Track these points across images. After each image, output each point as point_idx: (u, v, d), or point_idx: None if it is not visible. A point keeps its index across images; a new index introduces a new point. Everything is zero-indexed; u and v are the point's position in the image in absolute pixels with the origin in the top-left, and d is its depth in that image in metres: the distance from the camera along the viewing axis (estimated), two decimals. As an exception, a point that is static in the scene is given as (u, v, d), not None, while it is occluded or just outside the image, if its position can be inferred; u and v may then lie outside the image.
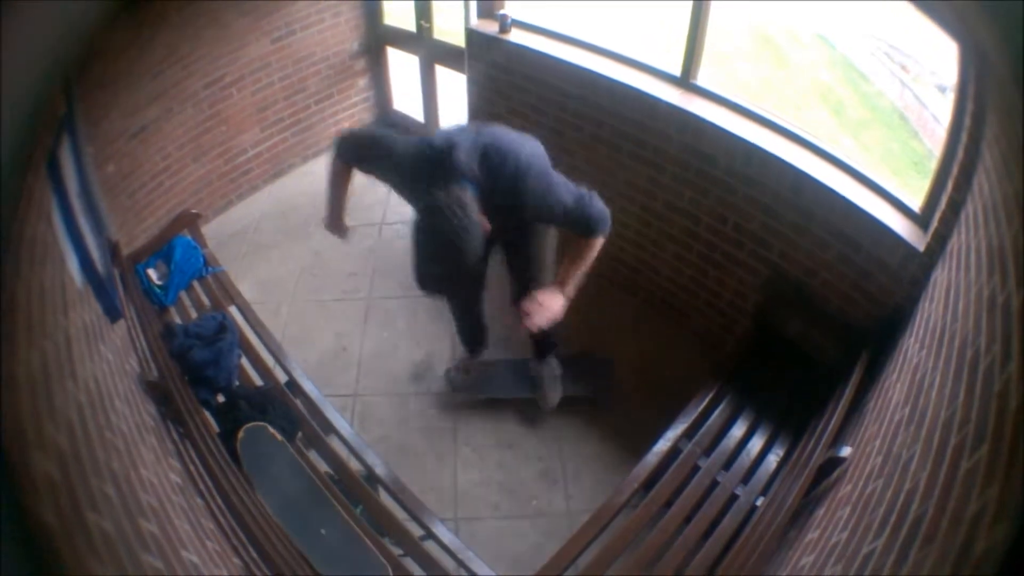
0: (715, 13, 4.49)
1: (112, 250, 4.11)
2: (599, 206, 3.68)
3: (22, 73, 1.33)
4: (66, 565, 1.38)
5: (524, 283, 4.17)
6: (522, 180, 3.49)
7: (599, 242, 3.72)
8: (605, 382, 5.20)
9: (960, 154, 3.23)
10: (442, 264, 3.22)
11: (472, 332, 5.01)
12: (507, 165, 3.48)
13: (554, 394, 5.03)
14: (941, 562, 1.52)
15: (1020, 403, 1.43)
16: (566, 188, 3.65)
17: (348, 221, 4.32)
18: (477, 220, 3.16)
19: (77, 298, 2.41)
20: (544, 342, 4.89)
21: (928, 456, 1.96)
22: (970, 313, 2.17)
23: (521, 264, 4.26)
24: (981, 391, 1.74)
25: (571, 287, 3.77)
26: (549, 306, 3.70)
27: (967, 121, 3.15)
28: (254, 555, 3.19)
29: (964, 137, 3.19)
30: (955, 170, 3.29)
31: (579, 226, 3.68)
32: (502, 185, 3.46)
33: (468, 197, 3.20)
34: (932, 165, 3.71)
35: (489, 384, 5.23)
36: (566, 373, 5.07)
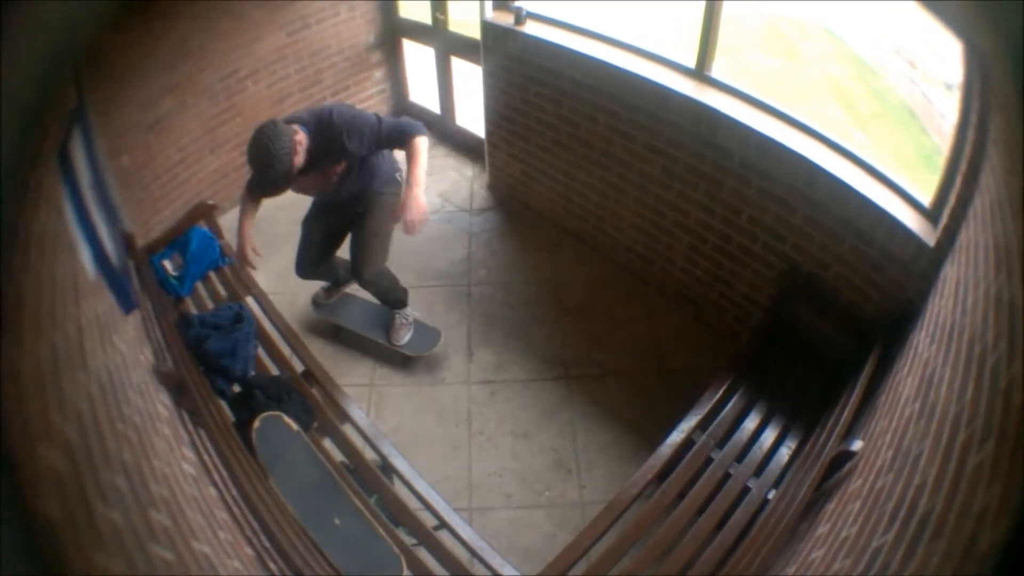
0: (728, 4, 4.48)
1: (127, 241, 4.13)
2: (409, 119, 4.60)
3: (27, 65, 1.34)
4: (69, 558, 1.39)
5: (359, 252, 5.08)
6: (334, 114, 4.44)
7: (422, 140, 4.45)
8: (429, 345, 5.56)
9: (967, 151, 3.22)
10: (264, 172, 4.38)
11: (309, 263, 5.45)
12: (323, 111, 4.51)
13: (403, 334, 5.53)
14: (947, 557, 1.52)
15: (1025, 400, 1.43)
16: (372, 115, 4.57)
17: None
18: (288, 141, 4.22)
19: (89, 290, 2.42)
20: (391, 299, 5.45)
21: (937, 451, 1.95)
22: (978, 309, 2.16)
23: (360, 236, 5.03)
24: (988, 387, 1.74)
25: (420, 184, 4.40)
26: (419, 206, 4.35)
27: (973, 118, 3.14)
28: (267, 545, 3.20)
29: (971, 134, 3.17)
30: (963, 166, 3.28)
31: (396, 133, 4.50)
32: (323, 125, 4.43)
33: (282, 124, 4.29)
34: (941, 161, 3.69)
35: (348, 316, 5.82)
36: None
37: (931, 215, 3.75)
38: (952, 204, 3.42)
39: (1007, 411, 1.51)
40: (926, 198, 3.80)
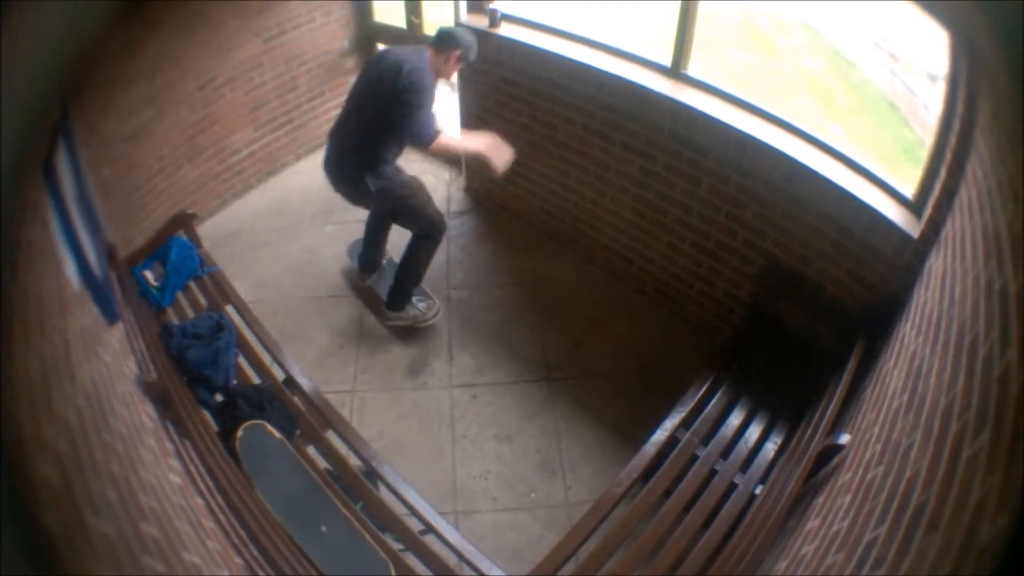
0: (704, 3, 4.49)
1: (109, 253, 4.10)
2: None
3: (21, 80, 1.33)
4: (68, 570, 1.37)
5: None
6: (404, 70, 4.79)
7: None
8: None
9: (953, 141, 3.23)
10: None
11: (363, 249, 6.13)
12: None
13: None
14: (945, 550, 1.52)
15: (1021, 389, 1.43)
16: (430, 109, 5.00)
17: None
18: None
19: (74, 302, 2.40)
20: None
21: (929, 443, 1.96)
22: (967, 299, 2.17)
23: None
24: (981, 377, 1.74)
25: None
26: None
27: (959, 108, 3.15)
28: (255, 554, 3.18)
29: (956, 124, 3.18)
30: (948, 157, 3.29)
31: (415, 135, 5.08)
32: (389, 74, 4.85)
33: None
34: (923, 153, 3.71)
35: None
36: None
37: (914, 207, 3.77)
38: (937, 194, 3.43)
39: (1003, 400, 1.51)
40: (909, 190, 3.82)
